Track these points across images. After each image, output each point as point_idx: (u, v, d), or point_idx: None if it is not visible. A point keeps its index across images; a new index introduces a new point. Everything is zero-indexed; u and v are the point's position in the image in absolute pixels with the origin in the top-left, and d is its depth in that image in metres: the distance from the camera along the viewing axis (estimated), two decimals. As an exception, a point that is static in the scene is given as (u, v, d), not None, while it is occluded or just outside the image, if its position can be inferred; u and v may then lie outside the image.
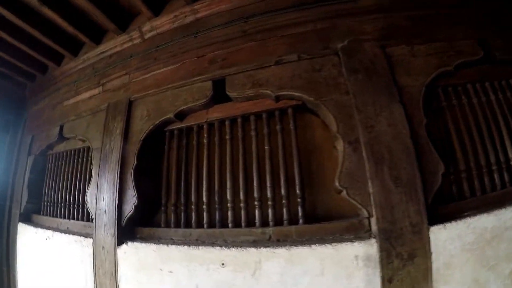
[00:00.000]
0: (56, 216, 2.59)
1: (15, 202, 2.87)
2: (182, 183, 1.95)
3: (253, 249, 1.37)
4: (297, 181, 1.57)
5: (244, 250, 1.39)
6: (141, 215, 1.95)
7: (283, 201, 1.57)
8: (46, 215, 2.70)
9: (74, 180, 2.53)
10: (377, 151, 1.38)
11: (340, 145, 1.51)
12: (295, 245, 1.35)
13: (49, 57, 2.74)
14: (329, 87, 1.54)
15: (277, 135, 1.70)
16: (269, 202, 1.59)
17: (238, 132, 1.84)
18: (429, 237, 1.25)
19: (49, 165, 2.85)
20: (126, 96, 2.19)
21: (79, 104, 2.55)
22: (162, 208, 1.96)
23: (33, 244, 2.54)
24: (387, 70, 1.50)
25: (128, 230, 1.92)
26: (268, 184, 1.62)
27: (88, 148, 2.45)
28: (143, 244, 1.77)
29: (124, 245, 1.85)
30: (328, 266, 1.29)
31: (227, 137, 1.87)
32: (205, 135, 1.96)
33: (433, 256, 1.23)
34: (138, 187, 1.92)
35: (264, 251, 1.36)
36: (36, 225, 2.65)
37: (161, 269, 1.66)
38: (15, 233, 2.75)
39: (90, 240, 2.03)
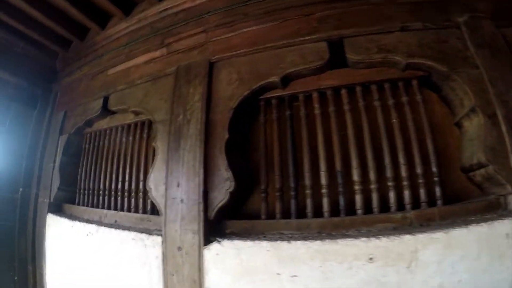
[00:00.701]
0: (98, 207, 2.03)
1: (43, 190, 2.27)
2: (290, 163, 1.47)
3: (407, 236, 1.09)
4: (432, 158, 1.33)
5: (398, 238, 1.10)
6: (232, 204, 1.44)
7: (420, 181, 1.30)
8: (84, 205, 2.11)
9: (123, 162, 1.97)
10: (514, 126, 1.20)
11: (474, 120, 1.31)
12: (452, 227, 1.11)
13: (94, 17, 2.19)
14: (458, 59, 1.35)
15: (403, 108, 1.41)
16: (405, 182, 1.30)
17: (359, 103, 1.44)
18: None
19: (87, 145, 2.28)
20: (204, 57, 1.67)
21: (131, 70, 2.00)
22: (262, 195, 1.45)
23: (68, 240, 1.95)
24: (507, 48, 1.35)
25: (218, 225, 1.40)
26: (401, 161, 1.33)
27: (144, 122, 1.92)
28: (250, 243, 1.25)
29: (215, 245, 1.31)
30: (484, 248, 1.08)
31: (346, 108, 1.45)
32: (317, 105, 1.50)
33: None
34: (232, 168, 1.40)
35: (421, 238, 1.09)
36: (71, 217, 2.07)
37: (278, 274, 1.19)
38: (43, 226, 2.15)
39: (157, 239, 1.48)
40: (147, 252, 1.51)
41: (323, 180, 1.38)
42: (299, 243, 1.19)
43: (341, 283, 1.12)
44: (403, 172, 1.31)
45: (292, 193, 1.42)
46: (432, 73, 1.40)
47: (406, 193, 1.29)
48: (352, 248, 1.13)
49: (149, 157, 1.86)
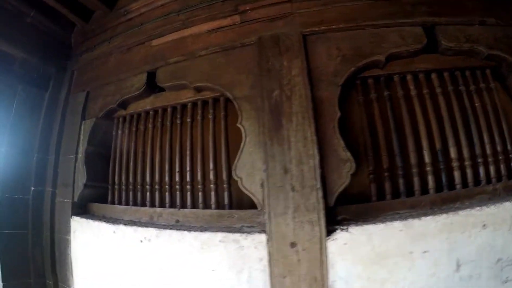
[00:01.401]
0: (144, 205, 1.65)
1: (61, 187, 1.78)
2: (395, 143, 1.39)
3: (507, 203, 1.17)
4: (507, 137, 1.41)
5: (501, 205, 1.18)
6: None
7: (500, 157, 1.38)
8: (121, 203, 1.71)
9: (179, 149, 1.64)
10: None
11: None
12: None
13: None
14: (522, 53, 1.42)
15: (482, 93, 1.47)
16: (490, 159, 1.37)
17: (448, 87, 1.46)
18: None
19: (120, 131, 1.85)
20: (294, 29, 1.45)
21: (187, 40, 1.67)
22: (371, 176, 1.35)
23: (108, 248, 1.54)
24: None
25: (333, 212, 1.21)
26: (486, 140, 1.40)
27: (208, 101, 1.63)
28: (381, 225, 1.14)
29: (341, 234, 1.13)
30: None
31: (438, 91, 1.45)
32: (412, 87, 1.45)
33: None
34: (349, 148, 1.25)
35: (516, 202, 1.15)
36: (106, 219, 1.65)
37: (411, 252, 1.13)
38: (66, 232, 1.68)
39: (260, 237, 1.21)
40: (245, 254, 1.23)
41: (427, 158, 1.35)
42: (428, 219, 1.15)
43: (463, 252, 1.15)
44: (488, 149, 1.38)
45: (401, 172, 1.35)
46: (502, 64, 1.46)
47: (491, 168, 1.36)
48: (470, 217, 1.17)
49: (218, 141, 1.57)
